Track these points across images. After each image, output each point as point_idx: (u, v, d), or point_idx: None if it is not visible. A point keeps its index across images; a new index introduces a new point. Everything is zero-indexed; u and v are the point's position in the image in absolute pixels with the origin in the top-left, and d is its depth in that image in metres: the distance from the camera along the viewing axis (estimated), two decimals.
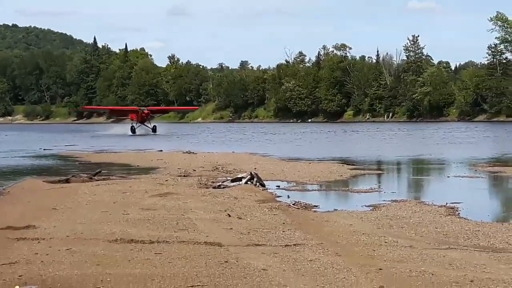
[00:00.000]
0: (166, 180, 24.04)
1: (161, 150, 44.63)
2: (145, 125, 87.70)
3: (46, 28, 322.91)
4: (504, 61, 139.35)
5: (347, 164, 31.86)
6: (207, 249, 11.97)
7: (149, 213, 16.08)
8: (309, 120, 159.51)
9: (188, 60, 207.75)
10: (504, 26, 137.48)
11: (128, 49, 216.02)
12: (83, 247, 12.04)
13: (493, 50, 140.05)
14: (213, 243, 12.46)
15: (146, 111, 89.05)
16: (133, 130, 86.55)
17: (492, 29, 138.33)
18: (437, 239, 13.25)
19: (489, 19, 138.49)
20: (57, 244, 12.27)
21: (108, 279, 9.87)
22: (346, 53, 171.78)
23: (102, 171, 27.74)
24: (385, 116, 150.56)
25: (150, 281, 9.73)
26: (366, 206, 18.45)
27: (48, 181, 25.02)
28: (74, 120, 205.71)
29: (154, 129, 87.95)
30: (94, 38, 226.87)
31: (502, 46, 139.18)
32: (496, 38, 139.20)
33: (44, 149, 50.43)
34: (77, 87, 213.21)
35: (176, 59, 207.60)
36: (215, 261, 10.92)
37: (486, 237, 13.40)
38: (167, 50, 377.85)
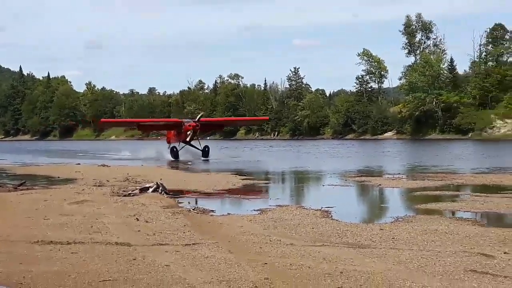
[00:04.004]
0: (83, 190, 23.58)
1: (79, 164, 43.76)
2: (193, 145, 51.15)
3: None
4: (369, 89, 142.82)
5: (239, 175, 31.93)
6: (117, 248, 11.82)
7: (67, 218, 15.76)
8: (208, 138, 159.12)
9: (103, 86, 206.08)
10: (369, 60, 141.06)
11: (51, 77, 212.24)
12: (9, 248, 11.75)
13: (360, 80, 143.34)
14: (123, 243, 12.31)
15: (193, 124, 49.83)
16: (175, 152, 49.95)
17: (360, 62, 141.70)
18: (313, 238, 13.39)
19: (357, 54, 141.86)
20: None
21: (30, 275, 9.69)
22: (239, 82, 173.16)
23: (26, 182, 27.10)
24: (272, 135, 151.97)
25: (67, 277, 9.57)
26: (254, 210, 18.49)
27: None
28: (2, 138, 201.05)
29: (205, 152, 50.55)
30: (20, 67, 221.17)
31: (367, 77, 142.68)
32: (362, 70, 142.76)
33: None
34: (5, 109, 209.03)
35: (92, 85, 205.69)
36: (125, 259, 10.80)
37: (354, 235, 13.61)
38: (85, 77, 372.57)
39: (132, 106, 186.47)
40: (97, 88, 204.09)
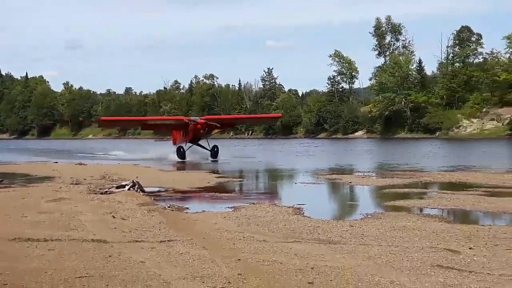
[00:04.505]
0: (60, 188, 23.42)
1: (57, 162, 43.47)
2: (200, 145, 46.98)
3: None
4: (340, 89, 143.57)
5: (214, 173, 31.90)
6: (94, 245, 11.75)
7: (44, 216, 15.64)
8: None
9: (80, 86, 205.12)
10: (340, 62, 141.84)
11: (29, 77, 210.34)
12: None
13: (331, 80, 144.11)
14: (99, 240, 12.25)
15: (201, 121, 45.56)
16: (181, 152, 45.60)
17: (331, 63, 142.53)
18: (285, 234, 13.41)
19: (329, 55, 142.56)
20: None
21: (7, 272, 9.59)
22: (214, 82, 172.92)
23: (4, 180, 26.86)
24: (246, 134, 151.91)
25: (44, 274, 9.50)
26: (228, 207, 18.48)
27: None
28: None
29: (214, 152, 46.49)
30: None
31: (338, 78, 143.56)
32: (334, 71, 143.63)
33: None
34: None
35: (70, 85, 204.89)
36: (101, 256, 10.74)
37: (325, 232, 13.64)
38: (63, 77, 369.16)
39: (109, 106, 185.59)
40: (75, 88, 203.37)
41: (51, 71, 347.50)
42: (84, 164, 39.58)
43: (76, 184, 25.32)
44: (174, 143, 48.63)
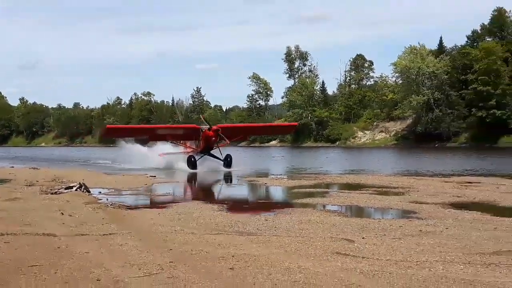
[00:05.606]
0: (15, 189, 22.68)
1: (13, 166, 42.05)
2: (212, 154, 38.41)
3: None
4: (258, 105, 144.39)
5: (151, 176, 31.46)
6: (45, 238, 11.41)
7: (1, 213, 15.07)
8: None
9: (34, 101, 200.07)
10: (257, 82, 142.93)
11: None
12: None
13: (250, 98, 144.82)
14: (49, 234, 11.90)
15: (214, 128, 37.37)
16: (192, 162, 36.87)
17: (250, 83, 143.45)
18: (210, 227, 13.35)
19: (248, 77, 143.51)
20: None
21: None
22: (150, 98, 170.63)
23: None
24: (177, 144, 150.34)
25: (0, 263, 9.14)
26: (163, 205, 18.31)
27: None
28: None
29: (227, 161, 37.91)
30: None
31: (256, 96, 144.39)
32: (252, 90, 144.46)
33: None
34: None
35: (25, 100, 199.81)
36: (50, 248, 10.43)
37: (244, 225, 13.65)
38: (19, 94, 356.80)
39: (60, 118, 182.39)
40: (29, 103, 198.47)
41: (8, 88, 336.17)
42: (37, 168, 38.48)
43: (29, 185, 24.54)
44: (185, 152, 40.06)
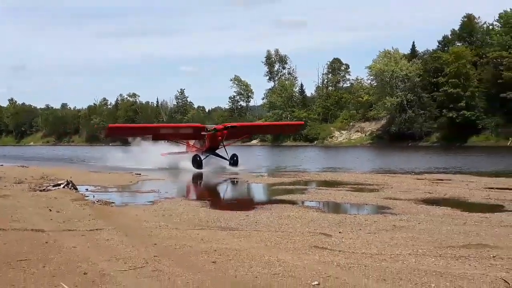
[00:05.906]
0: (5, 186, 22.39)
1: (2, 165, 41.53)
2: (218, 154, 36.60)
3: None
4: (239, 106, 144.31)
5: (136, 174, 31.27)
6: (33, 234, 11.28)
7: None
8: (110, 144, 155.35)
9: (23, 102, 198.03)
10: (239, 84, 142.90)
11: None
12: None
13: (232, 99, 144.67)
14: (38, 229, 11.77)
15: (220, 127, 36.07)
16: (198, 162, 34.96)
17: (232, 85, 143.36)
18: (194, 223, 13.32)
19: (230, 79, 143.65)
20: None
21: None
22: (136, 99, 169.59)
23: None
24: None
25: None
26: (148, 201, 18.23)
27: None
28: None
29: (234, 162, 36.13)
30: None
31: (238, 97, 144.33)
32: (234, 91, 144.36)
33: None
34: None
35: (14, 101, 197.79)
36: (39, 242, 10.33)
37: (226, 221, 13.64)
38: (9, 94, 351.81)
39: (48, 118, 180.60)
40: (18, 103, 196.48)
41: None
42: (26, 166, 38.08)
43: (18, 183, 24.27)
44: (189, 151, 38.04)
